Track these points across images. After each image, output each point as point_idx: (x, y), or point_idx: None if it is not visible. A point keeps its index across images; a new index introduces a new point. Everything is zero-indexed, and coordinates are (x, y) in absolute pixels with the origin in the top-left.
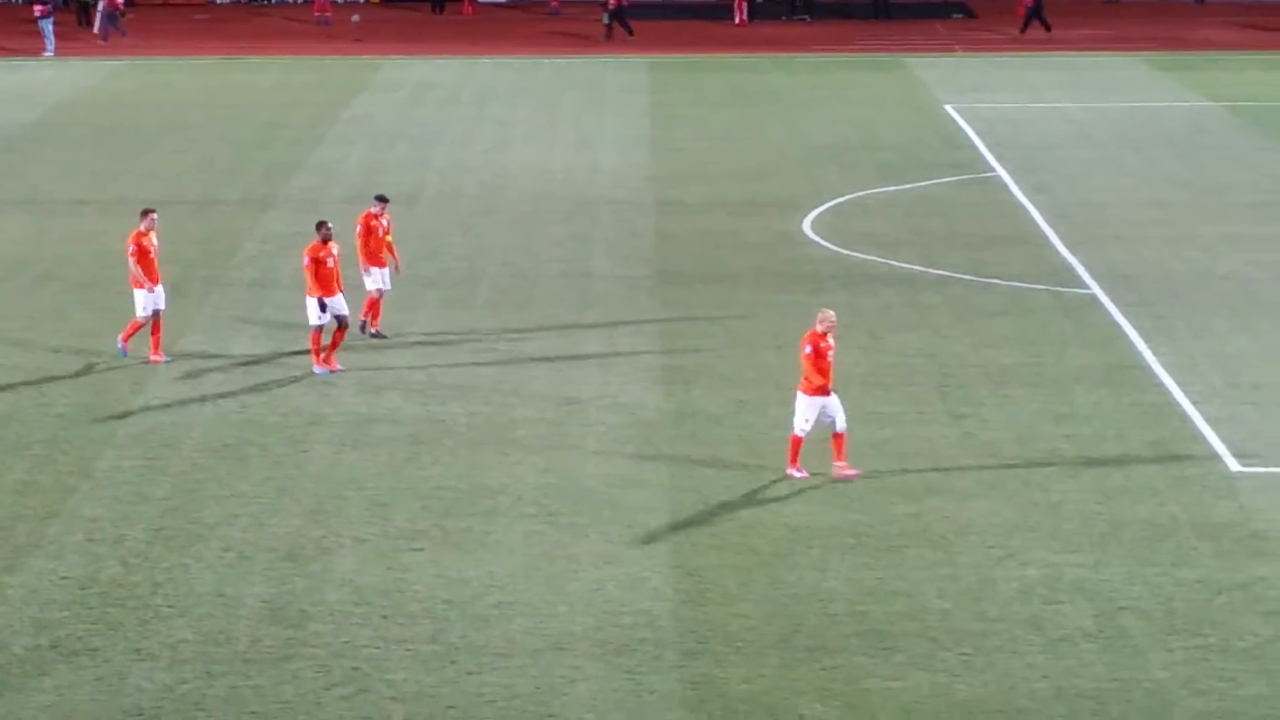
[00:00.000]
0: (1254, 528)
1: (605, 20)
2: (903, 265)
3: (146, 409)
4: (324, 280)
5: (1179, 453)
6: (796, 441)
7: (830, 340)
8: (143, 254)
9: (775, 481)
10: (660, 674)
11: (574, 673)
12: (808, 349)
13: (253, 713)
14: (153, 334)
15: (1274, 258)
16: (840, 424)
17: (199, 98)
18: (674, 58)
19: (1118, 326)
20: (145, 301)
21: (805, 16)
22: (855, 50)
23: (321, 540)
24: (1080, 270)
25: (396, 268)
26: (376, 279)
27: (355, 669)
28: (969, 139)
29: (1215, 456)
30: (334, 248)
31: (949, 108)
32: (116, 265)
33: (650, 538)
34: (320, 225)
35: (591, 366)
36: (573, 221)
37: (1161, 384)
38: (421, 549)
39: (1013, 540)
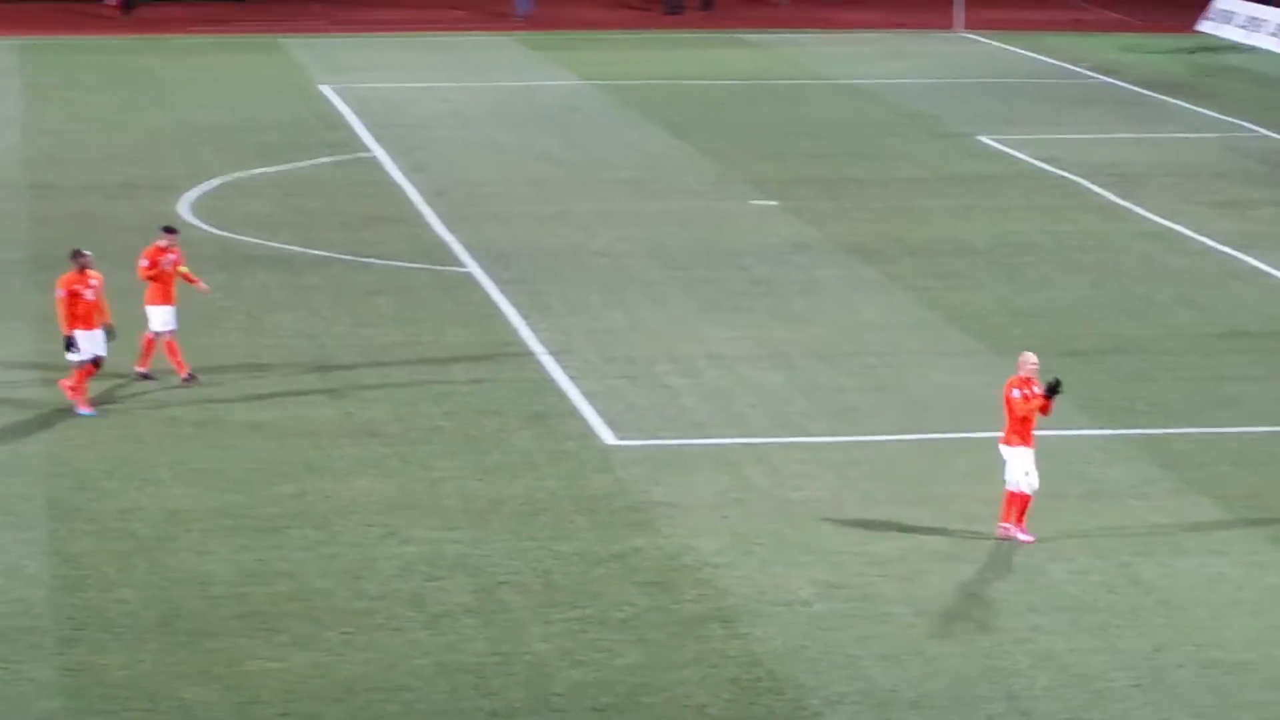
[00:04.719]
0: (629, 499)
1: None
2: (282, 246)
3: None
4: (83, 314)
5: (556, 428)
6: (1024, 501)
7: (1034, 389)
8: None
9: (154, 466)
10: (38, 662)
11: None
12: (1015, 392)
13: None
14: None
15: (646, 233)
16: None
17: None
18: (46, 39)
19: (495, 304)
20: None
21: None
22: (230, 31)
23: None
24: (458, 248)
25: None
26: (162, 318)
27: None
28: (345, 119)
29: (591, 431)
30: (92, 278)
31: (325, 88)
32: None
33: (26, 525)
34: (76, 254)
35: None
36: None
37: (538, 360)
38: None
39: (393, 518)
